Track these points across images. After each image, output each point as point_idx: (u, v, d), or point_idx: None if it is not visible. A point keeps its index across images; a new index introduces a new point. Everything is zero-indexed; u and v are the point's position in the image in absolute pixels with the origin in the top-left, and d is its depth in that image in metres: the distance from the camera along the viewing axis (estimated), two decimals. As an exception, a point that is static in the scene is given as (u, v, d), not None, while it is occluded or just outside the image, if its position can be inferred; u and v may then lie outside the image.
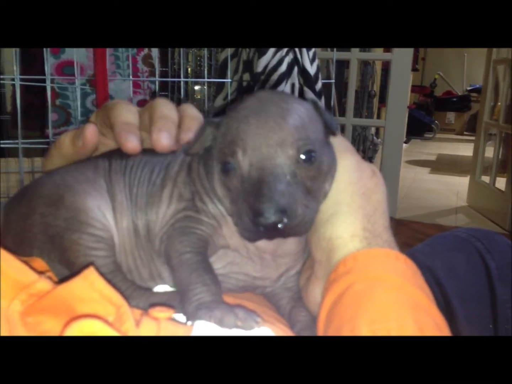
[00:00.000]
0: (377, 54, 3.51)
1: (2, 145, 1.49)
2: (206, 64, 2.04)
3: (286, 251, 0.51)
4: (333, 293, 0.44)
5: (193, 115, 0.54)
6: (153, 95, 2.09)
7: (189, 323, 0.42)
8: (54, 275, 0.46)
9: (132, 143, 0.50)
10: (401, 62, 2.73)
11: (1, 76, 1.94)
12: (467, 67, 7.16)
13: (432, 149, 5.81)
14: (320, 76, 1.68)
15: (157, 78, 1.64)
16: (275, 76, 1.57)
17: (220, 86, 1.78)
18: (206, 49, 2.10)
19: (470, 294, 0.73)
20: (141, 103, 2.28)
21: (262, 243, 0.49)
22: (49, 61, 1.57)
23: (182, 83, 1.69)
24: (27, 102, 2.04)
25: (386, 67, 3.89)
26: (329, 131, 0.49)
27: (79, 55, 1.67)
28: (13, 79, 1.42)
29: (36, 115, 2.10)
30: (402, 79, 2.78)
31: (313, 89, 1.62)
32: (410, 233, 2.63)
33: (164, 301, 0.46)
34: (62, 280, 0.39)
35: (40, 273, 0.37)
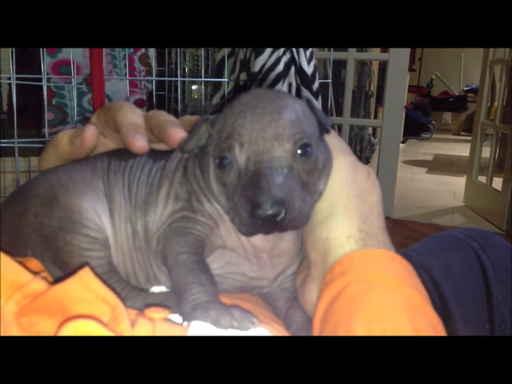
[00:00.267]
0: (374, 54, 3.52)
1: (-2, 144, 1.49)
2: (203, 64, 2.03)
3: (282, 250, 0.51)
4: (329, 293, 0.44)
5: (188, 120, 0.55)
6: (150, 94, 2.08)
7: (185, 323, 0.42)
8: (49, 276, 0.46)
9: (140, 142, 0.50)
10: (398, 62, 2.74)
11: (-2, 75, 1.93)
12: (463, 68, 7.18)
13: (429, 149, 5.82)
14: (317, 76, 1.68)
15: (154, 78, 1.64)
16: (272, 76, 1.56)
17: (217, 86, 1.78)
18: (203, 48, 2.10)
19: (466, 294, 0.74)
20: (138, 103, 2.27)
21: (259, 243, 0.49)
22: (46, 60, 1.57)
23: (179, 82, 1.69)
24: (23, 101, 2.04)
25: (383, 67, 3.90)
26: (323, 128, 0.49)
27: (76, 54, 1.66)
28: (9, 78, 1.42)
29: (32, 114, 2.09)
30: (399, 79, 2.79)
31: (310, 89, 1.62)
32: (407, 233, 2.63)
33: (160, 302, 0.46)
34: (57, 280, 0.39)
35: (35, 273, 0.37)
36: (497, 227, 2.80)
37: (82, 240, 0.47)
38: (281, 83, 1.58)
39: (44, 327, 0.33)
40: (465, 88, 7.20)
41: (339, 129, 2.92)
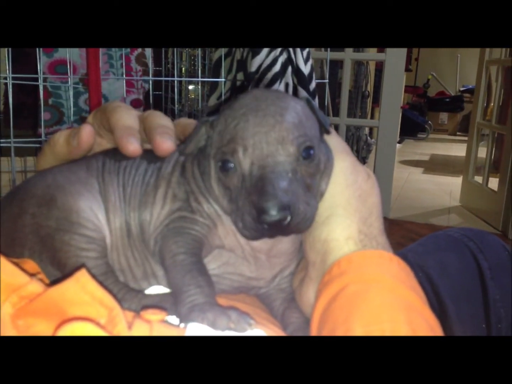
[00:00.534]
0: (371, 54, 3.53)
1: (-6, 144, 1.48)
2: (200, 64, 2.03)
3: (280, 251, 0.51)
4: (327, 294, 0.44)
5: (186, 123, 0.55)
6: (147, 94, 2.08)
7: (182, 325, 0.42)
8: (45, 277, 0.45)
9: (133, 146, 0.50)
10: (394, 63, 2.75)
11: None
12: (460, 68, 7.20)
13: (425, 149, 5.83)
14: (314, 76, 1.68)
15: (150, 78, 1.64)
16: (269, 76, 1.56)
17: (214, 86, 1.78)
18: (200, 48, 2.09)
19: (462, 294, 0.74)
20: (135, 103, 2.27)
21: (258, 243, 0.49)
22: (42, 60, 1.56)
23: (176, 82, 1.68)
24: (20, 101, 2.03)
25: (379, 68, 3.91)
26: (323, 128, 0.49)
27: (72, 54, 1.66)
28: (5, 78, 1.41)
29: (29, 114, 2.09)
30: (396, 80, 2.79)
31: (307, 89, 1.62)
32: (404, 233, 2.64)
33: (157, 303, 0.46)
34: (53, 282, 0.39)
35: (32, 275, 0.37)
36: (493, 227, 2.81)
37: (80, 240, 0.46)
38: (278, 83, 1.58)
39: (41, 329, 0.33)
40: (461, 89, 7.23)
41: (336, 129, 2.92)
